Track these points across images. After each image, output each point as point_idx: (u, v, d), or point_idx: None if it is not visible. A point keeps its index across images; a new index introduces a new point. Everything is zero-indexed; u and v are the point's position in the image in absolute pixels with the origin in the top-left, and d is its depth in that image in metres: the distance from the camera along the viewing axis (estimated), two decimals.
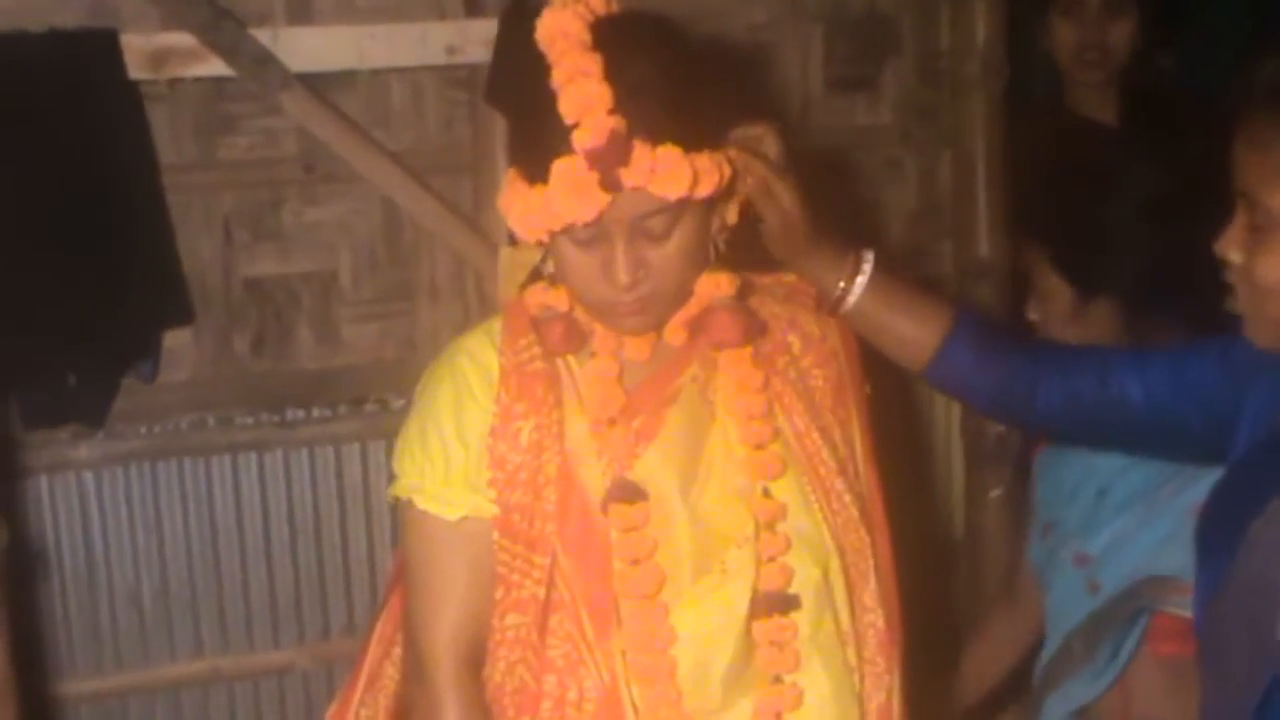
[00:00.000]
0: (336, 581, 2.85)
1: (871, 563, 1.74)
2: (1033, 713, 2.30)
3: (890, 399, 2.77)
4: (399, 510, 1.70)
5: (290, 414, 2.77)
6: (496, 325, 1.69)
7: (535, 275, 1.69)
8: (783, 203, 1.67)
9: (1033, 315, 2.24)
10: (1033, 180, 2.42)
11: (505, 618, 1.66)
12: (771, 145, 1.67)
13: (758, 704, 1.69)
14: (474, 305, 2.79)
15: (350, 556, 2.85)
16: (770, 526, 1.69)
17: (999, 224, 2.98)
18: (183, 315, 2.64)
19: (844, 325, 1.79)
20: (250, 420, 2.75)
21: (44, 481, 2.67)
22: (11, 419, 2.54)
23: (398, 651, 1.81)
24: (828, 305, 1.74)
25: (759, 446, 1.69)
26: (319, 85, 2.61)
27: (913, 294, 1.80)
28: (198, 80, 2.56)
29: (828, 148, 3.02)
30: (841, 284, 1.73)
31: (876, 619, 1.76)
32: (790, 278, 1.78)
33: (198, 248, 2.65)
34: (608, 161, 1.47)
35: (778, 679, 1.69)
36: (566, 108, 1.47)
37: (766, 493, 1.69)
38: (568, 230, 1.52)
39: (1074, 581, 2.22)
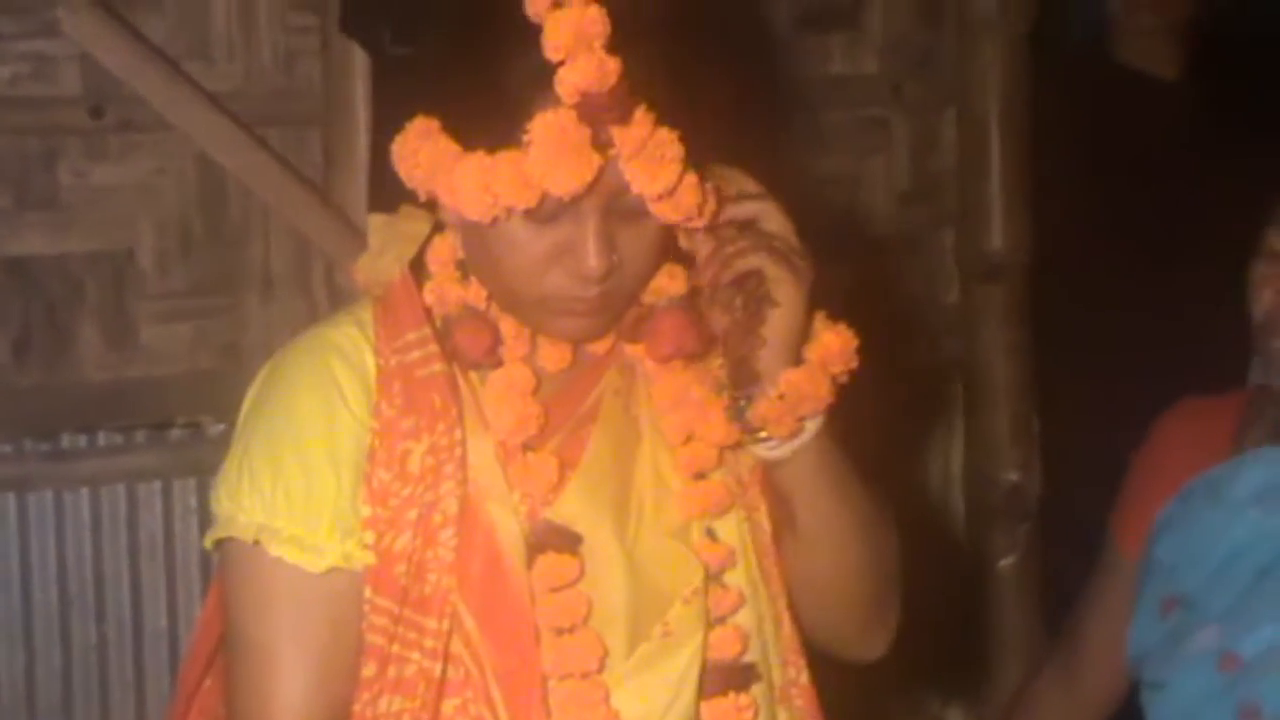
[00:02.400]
0: (123, 667, 2.59)
1: (785, 602, 1.68)
2: None
3: (871, 440, 2.78)
4: (226, 560, 1.54)
5: (66, 441, 2.56)
6: (367, 315, 1.57)
7: (421, 260, 1.58)
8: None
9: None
10: None
11: (379, 702, 1.51)
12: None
13: None
14: (322, 303, 2.61)
15: (144, 633, 2.59)
16: (719, 578, 1.61)
17: (1018, 208, 2.90)
18: None
19: None
20: (9, 449, 2.53)
21: None
22: None
23: None
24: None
25: (699, 476, 1.60)
26: (114, 2, 2.46)
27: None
28: None
29: (794, 103, 2.86)
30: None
31: (800, 675, 1.67)
32: None
33: None
34: (604, 113, 1.40)
35: None
36: (554, 37, 1.38)
37: (711, 535, 1.60)
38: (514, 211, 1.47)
39: (1214, 690, 1.96)
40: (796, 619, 1.68)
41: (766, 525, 1.65)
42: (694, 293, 1.61)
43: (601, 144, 1.40)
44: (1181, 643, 1.98)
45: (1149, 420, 2.22)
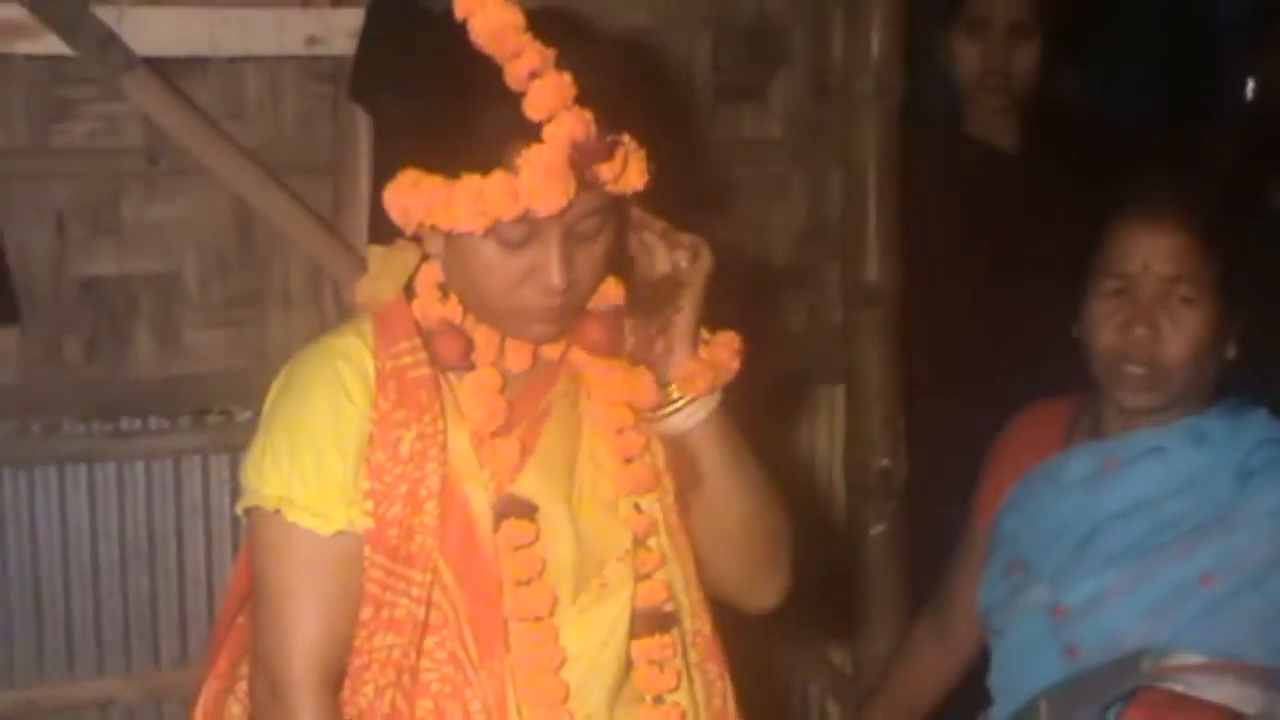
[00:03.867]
0: (170, 607, 2.80)
1: (693, 568, 1.79)
2: None
3: (771, 431, 3.03)
4: (253, 524, 1.66)
5: (125, 424, 2.72)
6: (367, 327, 1.68)
7: (411, 284, 1.70)
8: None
9: (1139, 331, 2.07)
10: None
11: (374, 638, 1.65)
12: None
13: None
14: (331, 315, 2.75)
15: (186, 579, 2.81)
16: (644, 542, 1.73)
17: (890, 247, 3.02)
18: (7, 314, 2.59)
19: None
20: (81, 429, 2.70)
21: None
22: None
23: (243, 687, 1.78)
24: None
25: (629, 460, 1.73)
26: (168, 71, 2.57)
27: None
28: (30, 58, 2.53)
29: (712, 161, 3.04)
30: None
31: (703, 625, 1.80)
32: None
33: (27, 242, 2.61)
34: (592, 156, 1.51)
35: (659, 699, 1.73)
36: (536, 101, 1.48)
37: (637, 507, 1.73)
38: (496, 230, 1.53)
39: (1044, 634, 2.12)
40: (702, 579, 1.81)
41: (676, 506, 1.77)
42: (628, 298, 1.72)
43: (589, 180, 1.53)
44: (1019, 597, 2.14)
45: (992, 416, 2.39)
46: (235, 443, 2.63)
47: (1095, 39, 3.38)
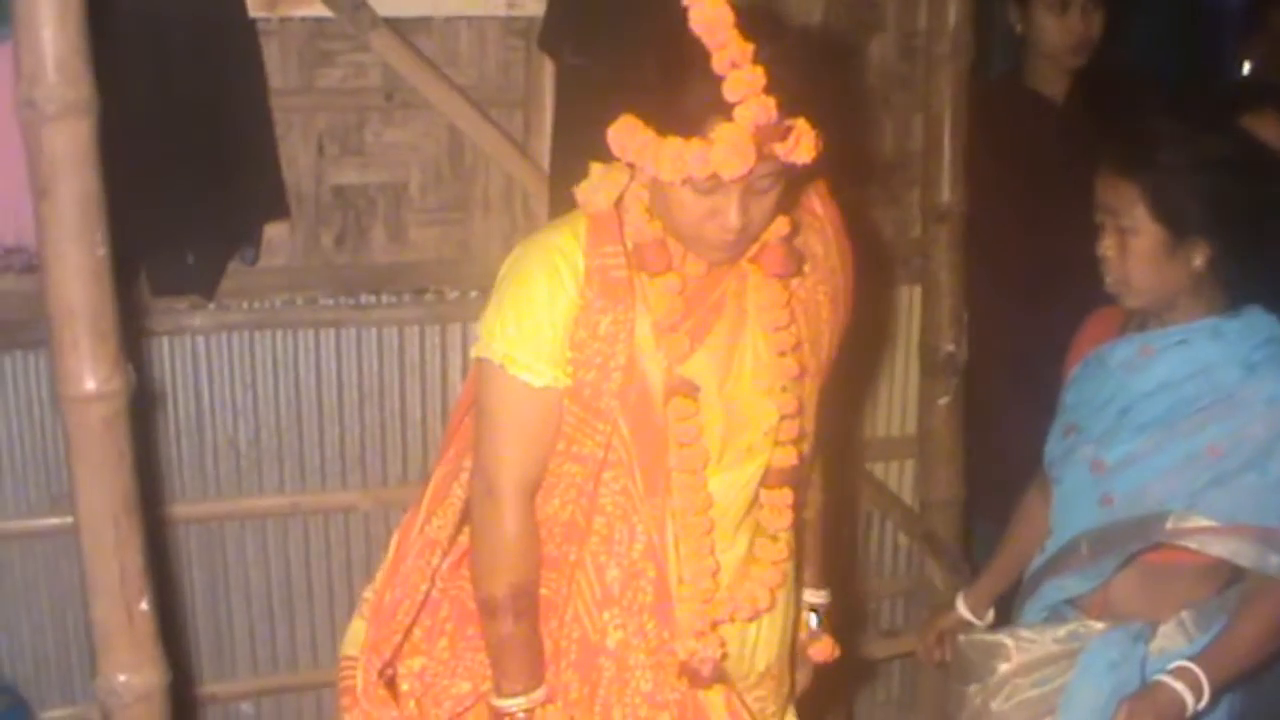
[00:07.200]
0: (394, 439, 3.13)
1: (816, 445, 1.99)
2: (1027, 592, 2.36)
3: (863, 320, 3.03)
4: (481, 369, 1.86)
5: (364, 299, 3.04)
6: (581, 228, 1.80)
7: (620, 199, 1.82)
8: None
9: (1108, 252, 2.18)
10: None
11: (563, 466, 1.85)
12: None
13: (758, 553, 1.94)
14: (520, 218, 3.05)
15: (406, 420, 3.13)
16: (789, 417, 1.90)
17: (960, 176, 3.20)
18: (281, 212, 2.91)
19: (843, 244, 1.97)
20: (331, 302, 3.02)
21: (165, 342, 2.96)
22: (141, 288, 2.83)
23: (464, 477, 1.98)
24: None
25: (782, 353, 1.88)
26: (401, 28, 2.84)
27: None
28: (303, 20, 2.83)
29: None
30: None
31: (817, 495, 2.08)
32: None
33: (296, 158, 2.93)
34: (770, 136, 1.63)
35: (774, 536, 1.95)
36: (733, 86, 1.58)
37: (785, 390, 1.89)
38: (689, 179, 1.66)
39: (1087, 484, 2.24)
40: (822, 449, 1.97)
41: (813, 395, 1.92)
42: (793, 230, 1.83)
43: (767, 153, 1.62)
44: (1072, 454, 2.28)
45: (1036, 312, 2.73)
46: (445, 316, 3.03)
47: (1132, 19, 3.50)
